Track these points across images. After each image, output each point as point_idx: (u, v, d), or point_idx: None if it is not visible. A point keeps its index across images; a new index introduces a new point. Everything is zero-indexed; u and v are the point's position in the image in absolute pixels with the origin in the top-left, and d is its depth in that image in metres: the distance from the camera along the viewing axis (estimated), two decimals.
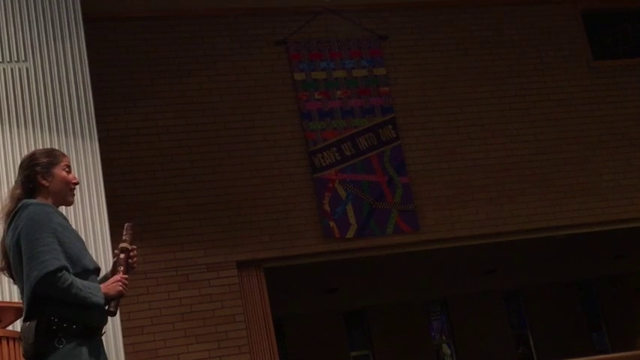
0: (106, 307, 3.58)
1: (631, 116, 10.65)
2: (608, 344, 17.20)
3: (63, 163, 3.73)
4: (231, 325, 8.72)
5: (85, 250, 3.67)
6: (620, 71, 10.88)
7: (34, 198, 3.65)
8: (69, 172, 3.75)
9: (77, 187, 3.81)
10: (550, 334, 16.62)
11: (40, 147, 6.67)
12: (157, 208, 8.93)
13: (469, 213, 9.76)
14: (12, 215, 3.60)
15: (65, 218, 3.70)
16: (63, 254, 3.48)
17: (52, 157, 3.74)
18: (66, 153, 4.21)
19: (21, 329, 3.58)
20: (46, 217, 3.53)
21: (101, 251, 6.52)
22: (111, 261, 3.95)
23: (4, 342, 4.64)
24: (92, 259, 3.70)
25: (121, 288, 3.60)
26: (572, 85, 10.61)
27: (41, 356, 3.42)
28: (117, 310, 3.62)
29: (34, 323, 3.45)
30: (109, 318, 3.66)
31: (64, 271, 3.44)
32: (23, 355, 3.51)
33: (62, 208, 3.82)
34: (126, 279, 3.66)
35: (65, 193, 3.73)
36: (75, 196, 3.79)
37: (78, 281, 3.47)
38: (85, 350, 3.46)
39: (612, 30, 11.32)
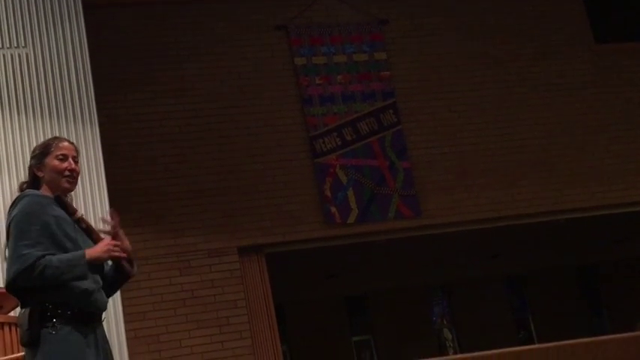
0: (128, 266, 3.64)
1: (633, 100, 10.61)
2: (609, 328, 17.20)
3: (56, 152, 3.69)
4: (232, 311, 8.72)
5: (85, 242, 3.62)
6: (622, 55, 10.83)
7: (38, 189, 3.66)
8: (63, 159, 3.69)
9: (75, 173, 3.74)
10: (551, 318, 16.62)
11: (40, 132, 6.67)
12: (157, 194, 8.92)
13: (470, 197, 9.75)
14: (11, 205, 3.63)
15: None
16: (53, 246, 3.46)
17: (45, 147, 3.73)
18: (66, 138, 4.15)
19: (18, 316, 3.57)
20: (40, 209, 3.52)
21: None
22: None
23: (6, 328, 4.65)
24: None
25: (113, 254, 3.58)
26: (574, 68, 10.57)
27: (35, 343, 3.39)
28: (132, 267, 3.68)
29: (28, 310, 3.44)
30: (110, 304, 3.64)
31: (37, 260, 3.39)
32: (19, 342, 3.50)
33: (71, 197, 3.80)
34: (114, 244, 3.60)
35: (58, 181, 3.67)
36: (73, 183, 3.72)
37: (54, 259, 3.41)
38: (79, 336, 3.43)
39: (614, 13, 11.26)
